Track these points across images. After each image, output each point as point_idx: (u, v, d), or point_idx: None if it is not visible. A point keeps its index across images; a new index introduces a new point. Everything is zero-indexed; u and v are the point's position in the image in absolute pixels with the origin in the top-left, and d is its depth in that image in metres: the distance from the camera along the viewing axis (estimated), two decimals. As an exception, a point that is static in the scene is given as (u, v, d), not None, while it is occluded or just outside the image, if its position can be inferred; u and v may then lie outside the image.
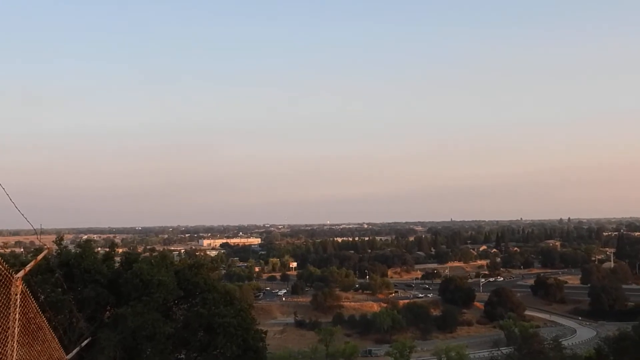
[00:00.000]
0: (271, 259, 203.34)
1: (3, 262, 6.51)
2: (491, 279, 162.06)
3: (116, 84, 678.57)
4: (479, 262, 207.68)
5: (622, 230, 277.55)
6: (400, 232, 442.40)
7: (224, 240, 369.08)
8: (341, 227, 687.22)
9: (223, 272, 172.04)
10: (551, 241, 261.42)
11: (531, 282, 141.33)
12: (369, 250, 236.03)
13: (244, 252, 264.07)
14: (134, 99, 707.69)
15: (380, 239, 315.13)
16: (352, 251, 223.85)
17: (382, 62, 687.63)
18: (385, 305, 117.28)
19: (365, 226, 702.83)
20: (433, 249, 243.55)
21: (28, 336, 7.14)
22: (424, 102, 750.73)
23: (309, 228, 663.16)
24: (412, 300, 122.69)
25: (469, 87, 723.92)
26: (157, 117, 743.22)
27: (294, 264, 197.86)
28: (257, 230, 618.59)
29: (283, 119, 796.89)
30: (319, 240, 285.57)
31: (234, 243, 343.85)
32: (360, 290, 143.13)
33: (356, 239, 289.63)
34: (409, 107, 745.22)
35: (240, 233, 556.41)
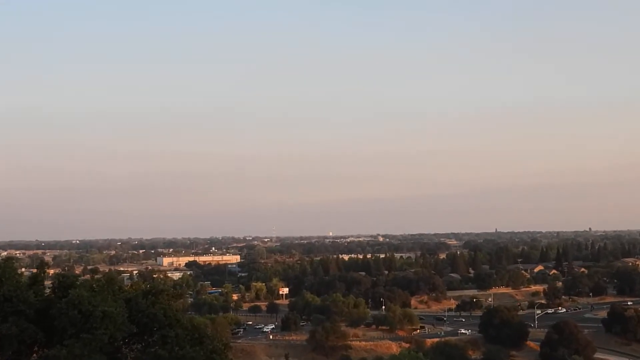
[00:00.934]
0: (254, 283, 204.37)
1: None
2: (550, 311, 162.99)
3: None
4: (534, 288, 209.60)
5: None
6: (427, 247, 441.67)
7: (191, 258, 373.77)
8: (348, 240, 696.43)
9: (190, 300, 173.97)
10: (630, 259, 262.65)
11: (603, 314, 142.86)
12: (386, 272, 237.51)
13: (217, 273, 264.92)
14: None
15: (401, 257, 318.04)
16: (362, 273, 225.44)
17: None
18: (407, 345, 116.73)
19: (381, 239, 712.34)
20: (472, 270, 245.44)
21: None
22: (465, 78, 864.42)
23: (305, 242, 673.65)
24: (443, 339, 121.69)
25: (508, 68, 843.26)
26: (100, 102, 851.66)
27: (285, 290, 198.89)
28: (235, 245, 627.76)
29: (272, 103, 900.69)
30: (318, 258, 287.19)
31: (205, 262, 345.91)
32: (373, 326, 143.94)
33: (368, 256, 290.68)
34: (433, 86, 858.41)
35: (213, 248, 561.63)
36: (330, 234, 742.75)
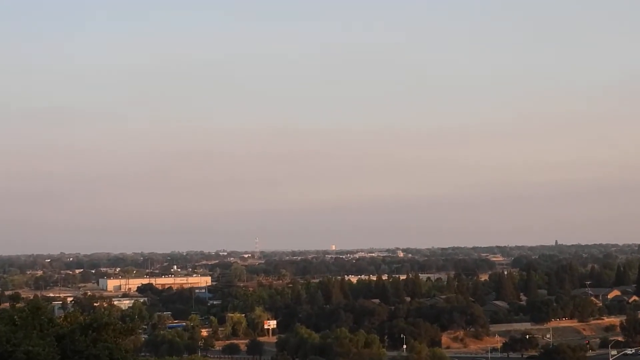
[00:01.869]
0: (231, 315, 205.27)
1: None
2: (629, 351, 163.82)
3: None
4: (607, 320, 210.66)
5: None
6: (463, 265, 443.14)
7: (145, 281, 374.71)
8: (356, 256, 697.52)
9: (144, 337, 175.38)
10: None
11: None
12: (408, 299, 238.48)
13: (181, 301, 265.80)
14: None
15: (429, 278, 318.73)
16: (376, 300, 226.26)
17: None
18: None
19: (401, 254, 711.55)
20: (524, 297, 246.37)
21: None
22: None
23: (299, 258, 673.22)
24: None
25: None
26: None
27: (272, 323, 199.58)
28: (205, 263, 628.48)
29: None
30: (316, 281, 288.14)
31: (164, 285, 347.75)
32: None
33: (384, 277, 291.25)
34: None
35: (175, 267, 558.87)
36: (333, 247, 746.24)
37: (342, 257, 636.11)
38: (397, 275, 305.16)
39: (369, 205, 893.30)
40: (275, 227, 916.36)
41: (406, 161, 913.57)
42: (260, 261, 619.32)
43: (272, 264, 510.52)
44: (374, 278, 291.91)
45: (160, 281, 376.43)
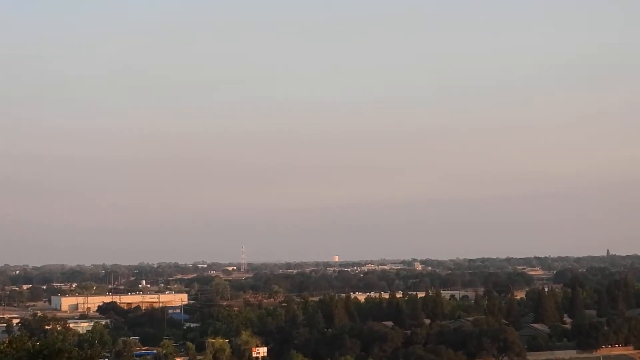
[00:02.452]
0: (212, 340, 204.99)
1: None
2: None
3: None
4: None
5: None
6: (495, 280, 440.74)
7: (108, 298, 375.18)
8: (365, 268, 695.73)
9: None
10: None
11: None
12: (428, 321, 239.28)
13: (151, 323, 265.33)
14: None
15: (453, 296, 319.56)
16: (389, 323, 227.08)
17: None
18: None
19: (419, 267, 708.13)
20: (568, 318, 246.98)
21: None
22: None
23: (295, 272, 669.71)
24: None
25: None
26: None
27: (262, 351, 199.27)
28: (180, 277, 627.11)
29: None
30: (316, 299, 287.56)
31: (130, 304, 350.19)
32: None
33: (399, 295, 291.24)
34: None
35: (144, 282, 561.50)
36: (337, 259, 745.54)
37: (347, 270, 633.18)
38: (414, 293, 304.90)
39: (380, 207, 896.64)
40: (266, 234, 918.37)
41: (426, 154, 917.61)
42: (247, 275, 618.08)
43: (261, 279, 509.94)
44: (385, 296, 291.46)
45: (126, 299, 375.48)
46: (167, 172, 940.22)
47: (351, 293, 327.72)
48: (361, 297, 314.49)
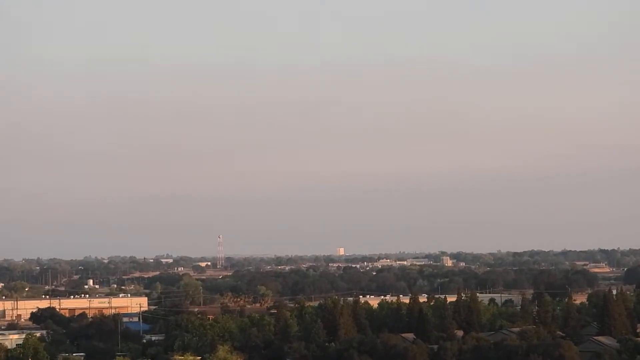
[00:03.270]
0: (179, 357, 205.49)
1: None
2: None
3: None
4: None
5: None
6: (547, 279, 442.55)
7: (45, 303, 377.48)
8: (378, 264, 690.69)
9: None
10: None
11: None
12: (460, 333, 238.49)
13: (101, 335, 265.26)
14: None
15: (492, 300, 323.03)
16: (410, 335, 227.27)
17: None
18: None
19: (449, 263, 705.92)
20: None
21: None
22: None
23: (287, 268, 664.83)
24: None
25: None
26: None
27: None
28: (139, 275, 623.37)
29: None
30: (314, 305, 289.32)
31: (73, 310, 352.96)
32: None
33: (422, 298, 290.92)
34: None
35: (91, 282, 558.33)
36: (342, 252, 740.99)
37: (355, 267, 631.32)
38: (442, 296, 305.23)
39: (397, 184, 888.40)
40: (249, 219, 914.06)
41: (460, 118, 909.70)
42: (225, 273, 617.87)
43: (244, 278, 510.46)
44: (405, 300, 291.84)
45: (67, 304, 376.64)
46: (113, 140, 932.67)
47: (360, 297, 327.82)
48: (373, 301, 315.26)
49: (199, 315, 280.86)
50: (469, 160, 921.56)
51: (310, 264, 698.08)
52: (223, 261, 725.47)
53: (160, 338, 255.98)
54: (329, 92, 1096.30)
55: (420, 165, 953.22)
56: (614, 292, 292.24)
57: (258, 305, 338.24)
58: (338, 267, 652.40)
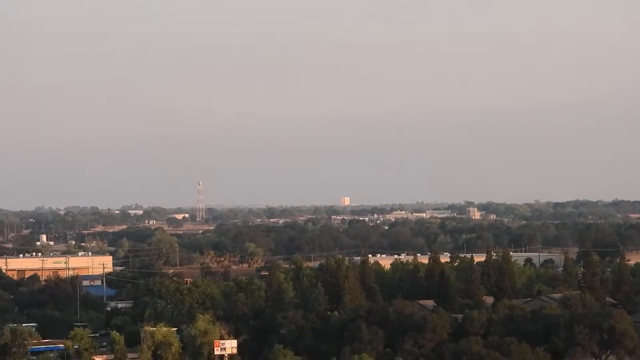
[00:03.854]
0: (150, 328, 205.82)
1: None
2: None
3: None
4: None
5: None
6: (594, 234, 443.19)
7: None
8: (391, 216, 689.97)
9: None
10: None
11: None
12: (489, 300, 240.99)
13: (56, 302, 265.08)
14: None
15: (529, 261, 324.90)
16: (429, 302, 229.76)
17: None
18: None
19: (476, 216, 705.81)
20: None
21: None
22: None
23: (281, 222, 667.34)
24: None
25: None
26: None
27: (231, 345, 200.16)
28: (102, 229, 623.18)
29: None
30: (314, 266, 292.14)
31: (23, 272, 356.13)
32: None
33: (444, 257, 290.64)
34: None
35: (44, 238, 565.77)
36: (347, 202, 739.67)
37: (364, 220, 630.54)
38: (468, 255, 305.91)
39: (414, 119, 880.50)
40: (236, 162, 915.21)
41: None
42: (206, 227, 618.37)
43: (229, 233, 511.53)
44: (424, 260, 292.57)
45: (15, 264, 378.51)
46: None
47: (370, 256, 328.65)
48: (385, 262, 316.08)
49: (175, 278, 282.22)
50: (496, 94, 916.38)
51: (309, 216, 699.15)
52: (203, 213, 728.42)
53: (128, 305, 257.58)
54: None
55: (436, 99, 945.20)
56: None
57: (246, 266, 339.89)
58: (342, 220, 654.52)
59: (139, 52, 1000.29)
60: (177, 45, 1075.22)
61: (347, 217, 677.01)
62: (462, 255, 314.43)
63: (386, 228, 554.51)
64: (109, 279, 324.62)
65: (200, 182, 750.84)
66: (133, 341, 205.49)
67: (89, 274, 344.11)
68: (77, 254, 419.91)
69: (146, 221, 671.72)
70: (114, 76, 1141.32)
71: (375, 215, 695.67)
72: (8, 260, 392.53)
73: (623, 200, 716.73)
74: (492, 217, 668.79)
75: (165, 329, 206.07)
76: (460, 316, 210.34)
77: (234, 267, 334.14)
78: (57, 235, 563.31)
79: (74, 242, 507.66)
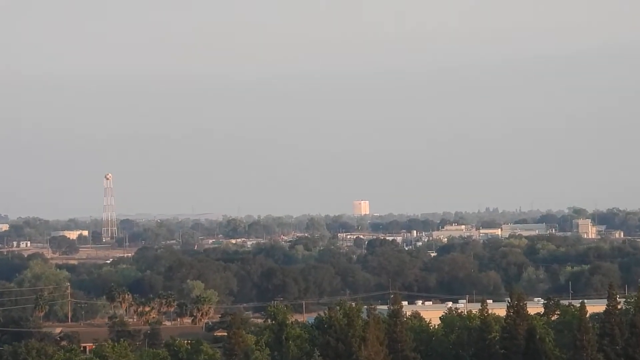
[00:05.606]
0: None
1: None
2: None
3: None
4: None
5: None
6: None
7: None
8: (441, 234, 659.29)
9: None
10: None
11: None
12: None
13: None
14: None
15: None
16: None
17: None
18: None
19: (590, 230, 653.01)
20: None
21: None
22: None
23: (247, 245, 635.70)
24: None
25: None
26: None
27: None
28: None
29: None
30: (309, 317, 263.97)
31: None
32: None
33: (534, 305, 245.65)
34: None
35: None
36: (365, 208, 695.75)
37: (394, 240, 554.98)
38: (577, 302, 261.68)
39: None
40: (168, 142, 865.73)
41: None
42: (120, 252, 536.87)
43: (157, 262, 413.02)
44: (499, 310, 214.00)
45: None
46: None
47: (405, 303, 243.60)
48: (433, 313, 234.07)
49: (64, 343, 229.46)
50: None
51: (299, 234, 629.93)
52: (114, 228, 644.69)
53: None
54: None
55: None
56: None
57: (189, 321, 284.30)
58: (357, 241, 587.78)
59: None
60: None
61: (365, 236, 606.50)
62: (567, 302, 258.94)
63: (433, 255, 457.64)
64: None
65: (109, 175, 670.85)
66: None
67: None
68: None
69: (14, 243, 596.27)
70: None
71: (414, 232, 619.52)
72: None
73: None
74: (616, 234, 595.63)
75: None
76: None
77: (168, 323, 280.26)
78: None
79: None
